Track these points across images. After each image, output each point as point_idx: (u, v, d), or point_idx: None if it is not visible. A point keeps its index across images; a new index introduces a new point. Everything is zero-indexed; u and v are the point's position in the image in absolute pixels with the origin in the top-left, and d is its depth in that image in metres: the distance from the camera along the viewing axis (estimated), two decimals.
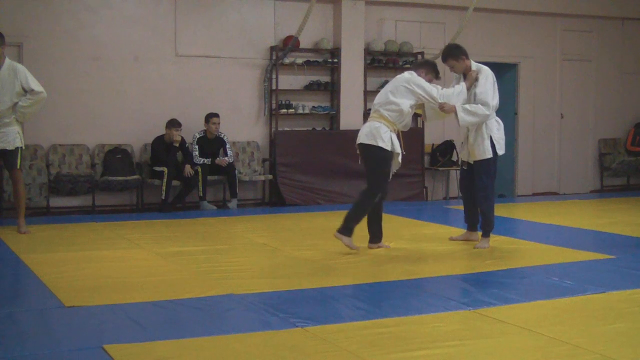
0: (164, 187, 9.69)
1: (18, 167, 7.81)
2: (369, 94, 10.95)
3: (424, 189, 11.45)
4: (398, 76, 6.90)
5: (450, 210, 10.16)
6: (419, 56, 11.31)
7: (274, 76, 10.77)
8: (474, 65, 7.07)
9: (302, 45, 10.81)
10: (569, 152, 12.84)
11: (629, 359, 3.92)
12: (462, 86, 6.92)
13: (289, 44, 10.52)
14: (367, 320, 4.57)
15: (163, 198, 9.72)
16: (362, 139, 6.75)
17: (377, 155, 6.68)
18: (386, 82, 9.95)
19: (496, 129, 7.03)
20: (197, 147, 10.16)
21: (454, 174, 11.83)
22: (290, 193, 10.62)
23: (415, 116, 6.95)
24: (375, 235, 6.96)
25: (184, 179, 9.88)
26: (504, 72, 12.53)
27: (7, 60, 7.64)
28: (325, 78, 11.18)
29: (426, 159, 11.63)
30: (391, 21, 11.56)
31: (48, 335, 4.29)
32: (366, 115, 10.27)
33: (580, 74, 12.86)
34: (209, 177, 10.08)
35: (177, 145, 9.90)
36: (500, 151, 7.06)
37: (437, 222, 8.81)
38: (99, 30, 10.04)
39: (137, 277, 5.82)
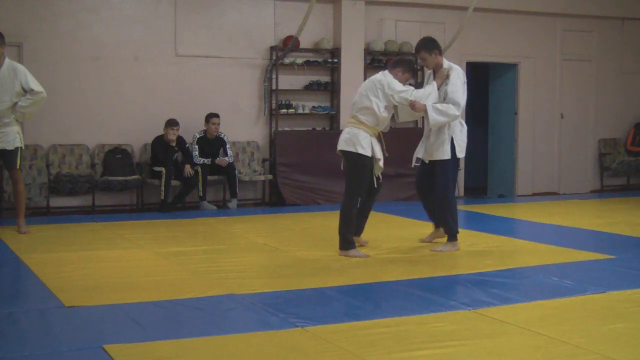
0: (162, 187, 9.69)
1: (18, 167, 7.81)
2: None
3: None
4: (372, 77, 6.84)
5: None
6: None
7: (274, 76, 10.77)
8: (446, 64, 6.96)
9: (302, 45, 10.81)
10: (569, 152, 12.84)
11: (629, 359, 3.92)
12: (433, 86, 6.84)
13: (289, 44, 10.52)
14: (367, 320, 4.57)
15: (162, 198, 9.72)
16: (342, 145, 6.72)
17: (356, 162, 6.64)
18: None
19: (459, 131, 6.92)
20: (197, 147, 10.16)
21: None
22: (290, 193, 10.62)
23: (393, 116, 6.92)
24: (356, 229, 6.91)
25: (184, 179, 9.89)
26: (504, 72, 12.55)
27: (7, 60, 7.64)
28: (325, 78, 11.19)
29: None
30: (391, 21, 11.56)
31: (48, 335, 4.29)
32: None
33: (580, 74, 12.86)
34: (209, 177, 10.08)
35: (175, 144, 9.90)
36: (460, 154, 6.94)
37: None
38: (99, 30, 10.04)
39: (137, 277, 5.82)
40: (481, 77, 12.87)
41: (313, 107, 11.06)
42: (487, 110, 12.92)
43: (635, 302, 5.06)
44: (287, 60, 10.82)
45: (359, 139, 6.59)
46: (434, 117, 6.71)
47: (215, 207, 10.14)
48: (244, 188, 10.62)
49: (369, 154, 6.61)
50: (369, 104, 6.61)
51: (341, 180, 10.77)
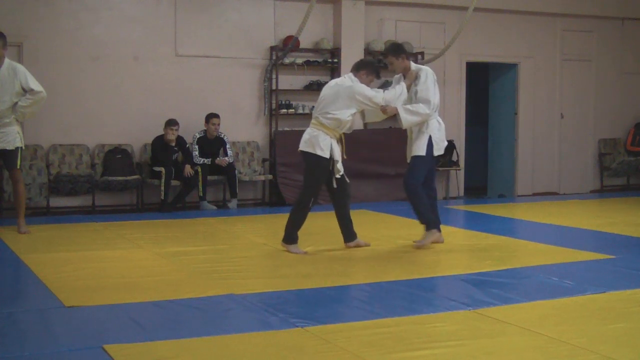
0: (162, 187, 9.69)
1: (18, 167, 7.81)
2: None
3: None
4: (339, 82, 6.82)
5: (450, 210, 10.16)
6: (419, 56, 11.32)
7: (274, 76, 10.77)
8: (414, 67, 6.97)
9: (302, 45, 10.81)
10: (569, 152, 12.84)
11: (629, 359, 3.92)
12: (402, 87, 6.86)
13: (289, 44, 10.52)
14: (367, 320, 4.57)
15: (162, 198, 9.73)
16: (302, 145, 6.76)
17: (314, 163, 6.68)
18: (386, 81, 10.01)
19: (437, 129, 6.92)
20: (197, 147, 10.16)
21: (454, 174, 11.84)
22: (290, 193, 10.61)
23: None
24: (348, 234, 6.95)
25: (184, 179, 9.89)
26: (504, 72, 12.54)
27: (7, 60, 7.64)
28: (325, 78, 11.16)
29: None
30: (391, 21, 11.56)
31: (48, 335, 4.29)
32: None
33: (580, 74, 12.86)
34: (209, 177, 10.08)
35: (174, 144, 9.91)
36: (438, 152, 6.94)
37: None
38: (99, 30, 10.04)
39: (137, 277, 5.82)
40: (481, 77, 12.87)
41: (313, 107, 10.97)
42: (487, 110, 12.92)
43: (635, 302, 5.06)
44: (287, 60, 10.82)
45: (319, 141, 6.63)
46: (405, 117, 6.75)
47: (215, 207, 10.14)
48: (244, 188, 10.62)
49: (327, 155, 6.65)
50: (333, 110, 6.62)
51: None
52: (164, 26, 10.34)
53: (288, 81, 10.93)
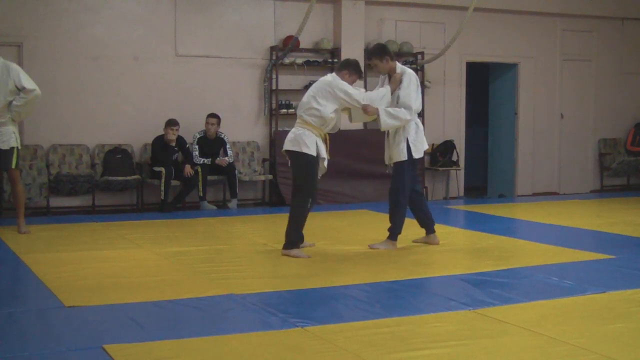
0: (162, 187, 9.69)
1: (13, 166, 7.76)
2: None
3: (424, 189, 11.44)
4: (321, 79, 6.82)
5: (450, 210, 10.17)
6: (419, 56, 11.32)
7: (274, 76, 10.77)
8: (399, 68, 6.95)
9: (302, 45, 10.81)
10: (569, 152, 12.84)
11: (629, 359, 3.92)
12: (387, 89, 6.85)
13: (289, 44, 10.52)
14: (367, 320, 4.57)
15: (162, 198, 9.73)
16: (287, 145, 6.70)
17: (302, 161, 6.62)
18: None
19: (413, 132, 6.89)
20: (197, 147, 10.17)
21: (454, 174, 11.84)
22: (290, 193, 10.60)
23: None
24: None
25: (184, 179, 9.89)
26: (504, 72, 12.55)
27: (1, 60, 7.60)
28: None
29: (426, 159, 11.61)
30: (391, 21, 11.56)
31: (48, 335, 4.29)
32: None
33: (580, 74, 12.86)
34: (209, 177, 10.08)
35: (175, 144, 9.91)
36: (417, 154, 6.91)
37: (437, 222, 8.77)
38: (99, 30, 10.04)
39: (137, 277, 5.82)
40: (481, 77, 12.87)
41: None
42: (487, 110, 12.92)
43: (635, 302, 5.06)
44: (287, 60, 10.82)
45: (303, 139, 6.58)
46: (385, 120, 6.74)
47: (215, 207, 10.14)
48: (244, 188, 10.62)
49: (313, 153, 6.59)
50: (315, 105, 6.59)
51: (341, 180, 10.86)
52: (164, 26, 10.34)
53: (288, 81, 10.93)
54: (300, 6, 10.60)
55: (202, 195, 10.03)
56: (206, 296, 5.13)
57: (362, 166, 10.80)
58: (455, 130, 11.93)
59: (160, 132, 9.90)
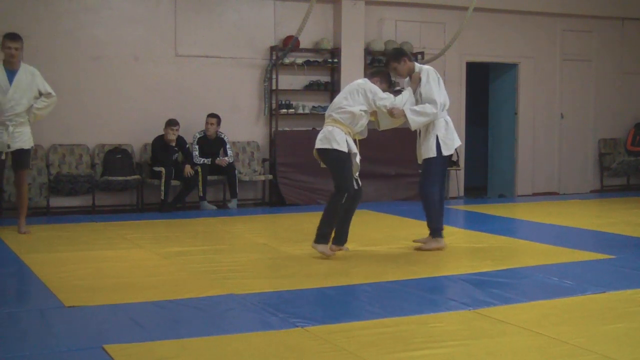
0: (162, 187, 9.69)
1: (30, 167, 7.92)
2: None
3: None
4: (352, 83, 6.87)
5: (450, 210, 10.15)
6: (419, 56, 11.32)
7: (274, 76, 10.77)
8: (417, 67, 6.97)
9: (302, 45, 10.81)
10: (569, 152, 12.84)
11: (629, 359, 3.92)
12: (409, 91, 6.89)
13: (289, 44, 10.52)
14: (367, 320, 4.57)
15: (162, 198, 9.73)
16: (317, 144, 6.70)
17: (335, 157, 6.61)
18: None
19: (443, 129, 6.90)
20: (197, 147, 10.17)
21: (454, 174, 11.84)
22: (290, 193, 10.62)
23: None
24: (340, 237, 6.74)
25: (184, 179, 9.89)
26: (504, 72, 12.55)
27: (22, 64, 7.74)
28: (325, 78, 11.19)
29: None
30: (391, 21, 11.57)
31: (48, 335, 4.29)
32: None
33: (580, 74, 12.86)
34: (209, 177, 10.08)
35: (175, 144, 9.91)
36: (446, 151, 6.90)
37: None
38: (99, 30, 10.04)
39: (137, 277, 5.82)
40: (481, 77, 12.87)
41: (313, 107, 11.06)
42: (487, 110, 12.92)
43: (635, 302, 5.06)
44: (287, 60, 10.82)
45: (334, 135, 6.58)
46: (413, 119, 6.75)
47: (215, 207, 10.13)
48: (244, 188, 10.62)
49: (344, 149, 6.59)
50: (346, 104, 6.62)
51: None
52: (164, 26, 10.34)
53: (288, 81, 10.93)
54: (300, 6, 10.60)
55: (202, 195, 10.03)
56: (206, 296, 5.13)
57: (362, 166, 10.77)
58: (455, 130, 11.89)
59: (160, 132, 9.90)
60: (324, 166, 6.79)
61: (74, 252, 6.84)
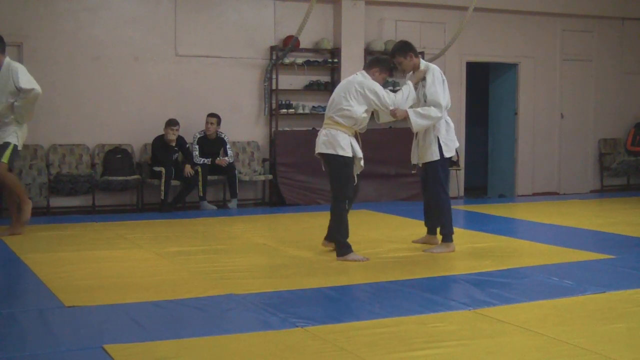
0: (162, 187, 9.69)
1: (4, 160, 7.53)
2: None
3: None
4: (350, 78, 6.70)
5: None
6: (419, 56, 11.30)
7: (274, 76, 10.77)
8: (423, 64, 6.88)
9: (302, 45, 10.82)
10: (569, 152, 12.84)
11: (629, 359, 3.92)
12: (410, 86, 6.74)
13: (289, 44, 10.52)
14: (367, 320, 4.57)
15: (162, 198, 9.73)
16: (320, 148, 6.57)
17: (340, 163, 6.51)
18: (387, 82, 9.99)
19: (444, 131, 6.84)
20: (197, 147, 10.17)
21: (454, 174, 11.84)
22: (290, 193, 10.62)
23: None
24: (332, 234, 6.74)
25: (184, 179, 9.89)
26: (504, 72, 12.55)
27: (7, 60, 7.57)
28: (325, 78, 11.19)
29: None
30: (391, 21, 11.57)
31: (48, 335, 4.29)
32: None
33: (580, 74, 12.87)
34: (209, 177, 10.08)
35: (175, 144, 9.91)
36: (448, 153, 6.85)
37: None
38: (99, 30, 10.04)
39: (137, 277, 5.82)
40: (481, 77, 12.88)
41: (313, 107, 11.06)
42: (487, 110, 12.93)
43: (635, 302, 5.06)
44: (287, 60, 10.82)
45: (338, 140, 6.48)
46: (416, 121, 6.66)
47: (215, 207, 10.14)
48: (244, 188, 10.62)
49: (349, 154, 6.51)
50: (346, 106, 6.49)
51: None
52: (164, 26, 10.34)
53: (288, 81, 10.93)
54: (300, 6, 10.60)
55: (202, 195, 10.03)
56: (206, 296, 5.13)
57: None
58: (455, 130, 11.84)
59: (160, 132, 9.90)
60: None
61: (74, 252, 6.84)
